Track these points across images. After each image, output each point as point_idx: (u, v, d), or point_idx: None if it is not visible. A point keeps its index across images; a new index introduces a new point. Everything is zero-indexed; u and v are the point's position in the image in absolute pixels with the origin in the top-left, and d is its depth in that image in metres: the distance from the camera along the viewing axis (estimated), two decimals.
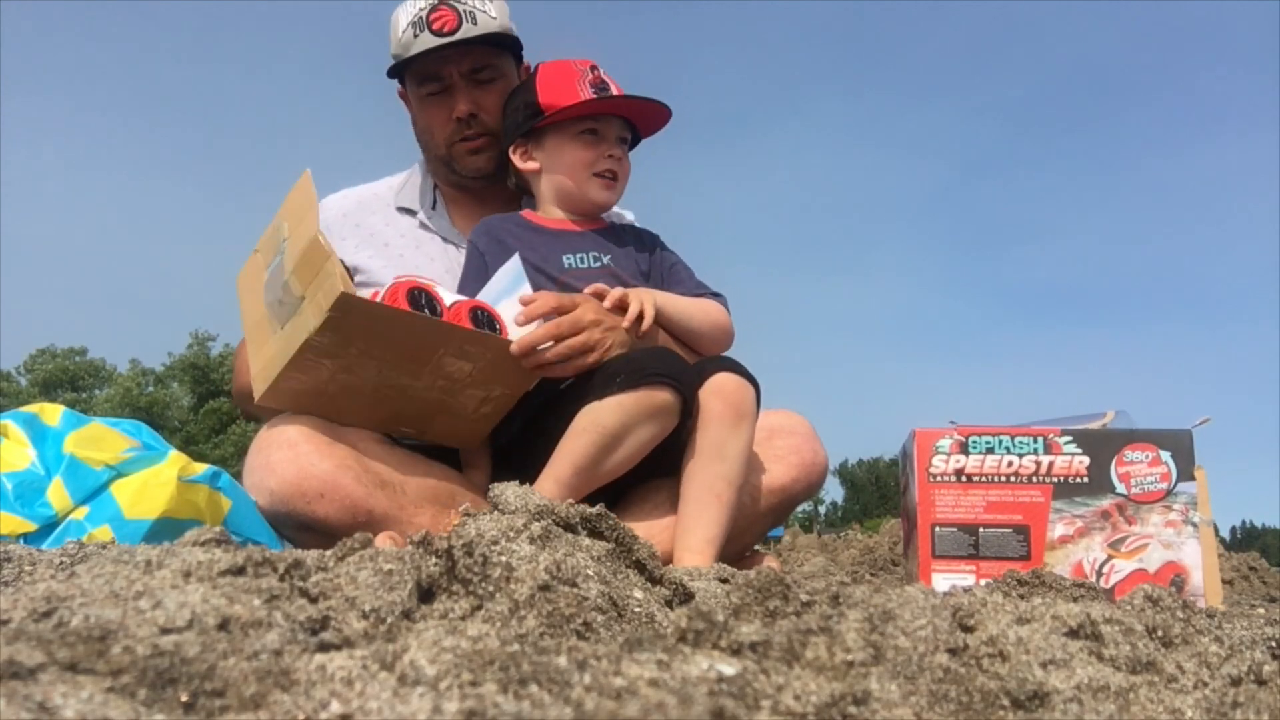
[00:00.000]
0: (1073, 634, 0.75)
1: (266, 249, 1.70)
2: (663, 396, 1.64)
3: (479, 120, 2.09)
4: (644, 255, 1.99)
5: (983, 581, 1.50)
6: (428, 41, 2.03)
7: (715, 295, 2.01)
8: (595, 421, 1.64)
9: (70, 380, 40.54)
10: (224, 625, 0.61)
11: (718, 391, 1.70)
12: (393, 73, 2.14)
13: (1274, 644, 0.84)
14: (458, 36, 2.02)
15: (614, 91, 1.91)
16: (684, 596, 0.92)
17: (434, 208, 2.21)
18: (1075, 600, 0.97)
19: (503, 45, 2.10)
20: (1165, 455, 1.62)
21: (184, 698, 0.50)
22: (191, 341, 39.83)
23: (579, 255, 1.91)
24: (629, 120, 1.97)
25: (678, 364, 1.69)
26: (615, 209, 2.34)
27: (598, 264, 1.91)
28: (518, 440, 1.85)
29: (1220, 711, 0.66)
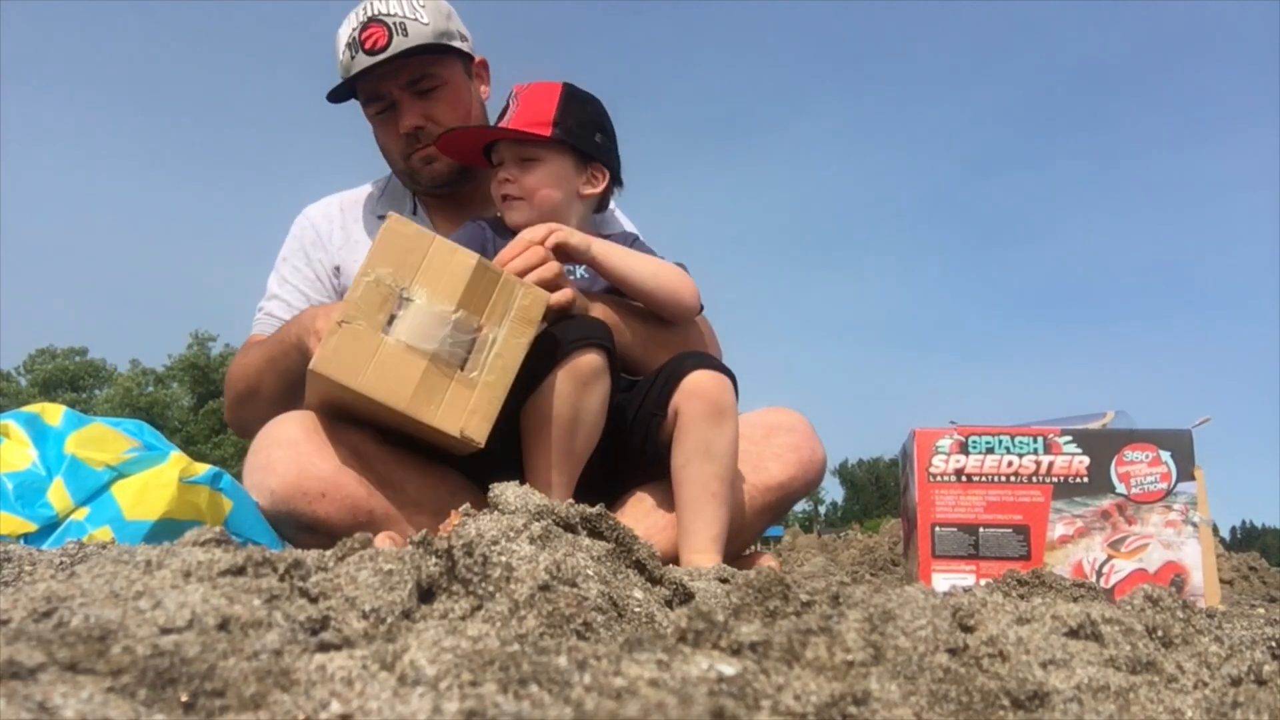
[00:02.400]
0: (1073, 634, 0.75)
1: (368, 311, 1.57)
2: (588, 359, 1.63)
3: (428, 132, 2.07)
4: None
5: (983, 581, 1.50)
6: (361, 63, 2.00)
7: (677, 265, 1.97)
8: (542, 416, 1.63)
9: (70, 380, 40.56)
10: (224, 625, 0.61)
11: (694, 391, 1.69)
12: (336, 97, 2.10)
13: (1274, 644, 0.84)
14: (389, 52, 1.99)
15: (508, 116, 1.89)
16: (684, 596, 0.92)
17: (414, 213, 2.21)
18: (1075, 600, 0.97)
19: (439, 51, 2.05)
20: (1165, 455, 1.62)
21: (184, 698, 0.50)
22: (192, 342, 39.88)
23: None
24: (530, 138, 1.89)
25: (587, 324, 1.69)
26: (615, 216, 2.33)
27: (571, 276, 1.86)
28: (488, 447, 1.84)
29: (1220, 711, 0.66)
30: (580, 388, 1.63)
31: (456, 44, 2.10)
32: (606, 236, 2.03)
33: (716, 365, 1.74)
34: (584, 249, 1.79)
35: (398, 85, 2.05)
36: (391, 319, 1.57)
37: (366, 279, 1.58)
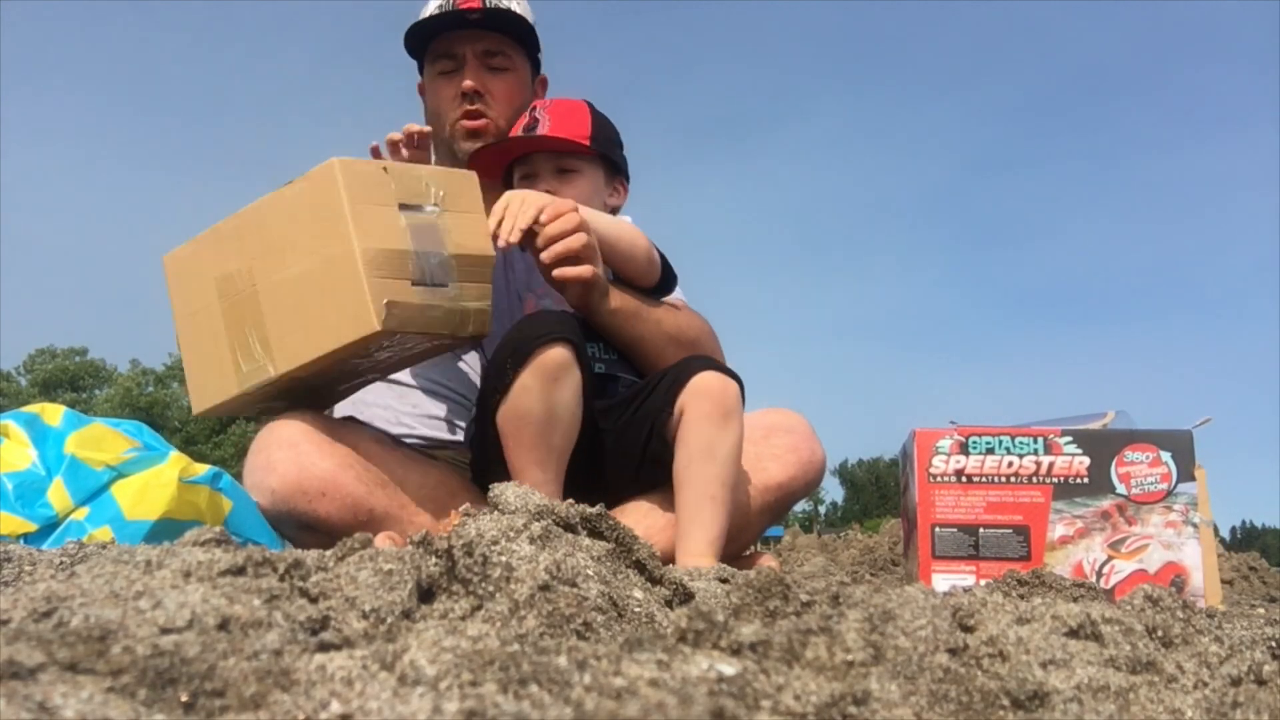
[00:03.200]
0: (1073, 634, 0.75)
1: (402, 186, 1.67)
2: (554, 354, 1.62)
3: (484, 100, 2.09)
4: None
5: (983, 582, 1.50)
6: (450, 12, 2.06)
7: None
8: (517, 416, 1.63)
9: (70, 380, 40.54)
10: (224, 625, 0.61)
11: (702, 392, 1.68)
12: (412, 44, 2.15)
13: (1274, 644, 0.84)
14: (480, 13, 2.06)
15: (539, 130, 1.90)
16: (684, 596, 0.92)
17: None
18: (1075, 600, 0.97)
19: (521, 36, 2.11)
20: (1165, 456, 1.62)
21: (184, 698, 0.50)
22: None
23: None
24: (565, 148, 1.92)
25: (549, 319, 1.68)
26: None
27: None
28: (476, 453, 1.84)
29: (1220, 711, 0.66)
30: (550, 383, 1.62)
31: (535, 43, 2.17)
32: None
33: (724, 369, 1.75)
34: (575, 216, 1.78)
35: (474, 50, 2.09)
36: (407, 209, 1.65)
37: (428, 170, 1.73)
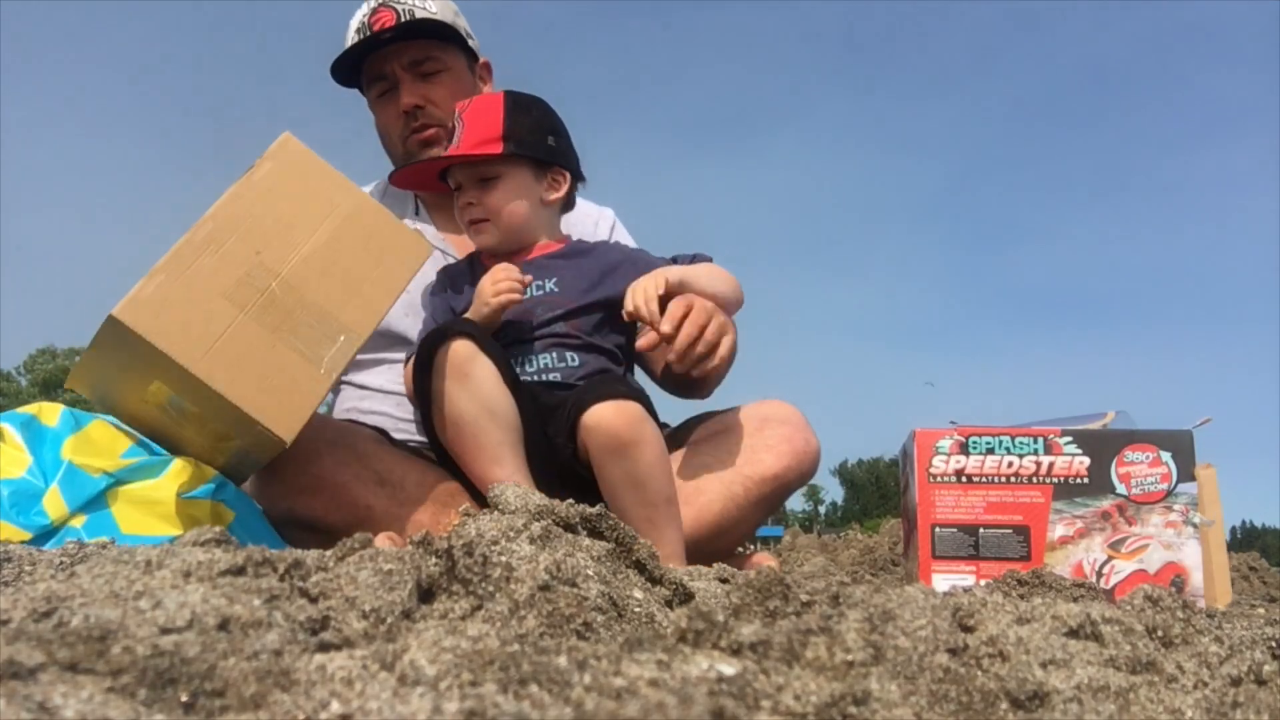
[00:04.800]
0: (1073, 634, 0.75)
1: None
2: (456, 349, 1.62)
3: (427, 113, 2.09)
4: (597, 266, 1.91)
5: (983, 582, 1.50)
6: (367, 40, 2.06)
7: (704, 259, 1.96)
8: (450, 423, 1.64)
9: None
10: (224, 625, 0.61)
11: (594, 428, 1.60)
12: (340, 78, 2.16)
13: (1274, 644, 0.84)
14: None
15: (456, 138, 1.89)
16: (684, 596, 0.92)
17: (416, 214, 2.21)
18: (1075, 600, 0.97)
19: (441, 37, 2.10)
20: (1165, 456, 1.62)
21: (184, 698, 0.50)
22: None
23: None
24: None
25: (440, 327, 1.69)
26: (594, 206, 2.33)
27: (540, 292, 1.84)
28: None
29: (1220, 711, 0.66)
30: (462, 379, 1.61)
31: (461, 36, 2.14)
32: (584, 243, 1.99)
33: (613, 393, 1.63)
34: (676, 282, 1.77)
35: (400, 64, 2.09)
36: None
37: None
